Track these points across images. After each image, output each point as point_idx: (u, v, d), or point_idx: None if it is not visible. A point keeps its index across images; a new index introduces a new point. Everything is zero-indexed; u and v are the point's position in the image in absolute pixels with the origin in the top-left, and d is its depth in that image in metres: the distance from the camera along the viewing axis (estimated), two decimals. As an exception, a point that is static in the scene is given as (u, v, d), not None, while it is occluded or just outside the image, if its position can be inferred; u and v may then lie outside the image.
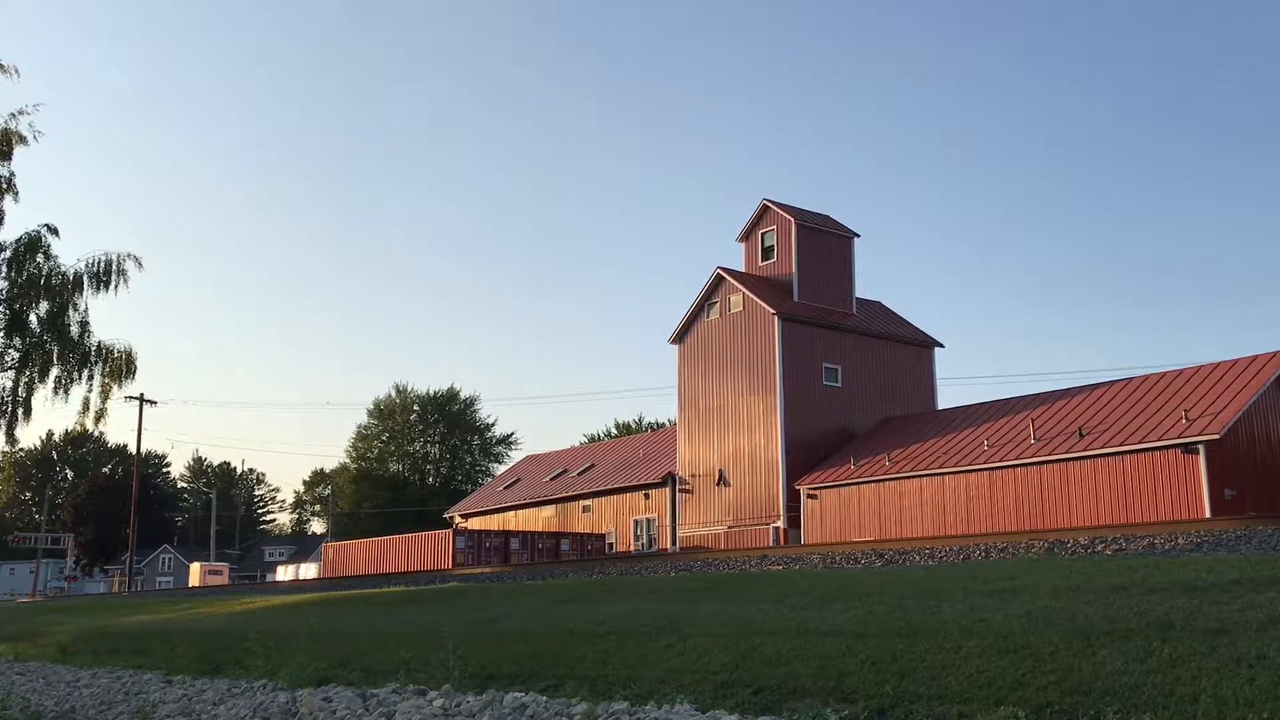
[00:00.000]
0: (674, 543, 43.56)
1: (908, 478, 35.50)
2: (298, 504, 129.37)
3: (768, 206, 44.45)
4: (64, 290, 26.07)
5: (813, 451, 40.05)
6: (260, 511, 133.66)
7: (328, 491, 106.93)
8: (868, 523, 36.28)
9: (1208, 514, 27.22)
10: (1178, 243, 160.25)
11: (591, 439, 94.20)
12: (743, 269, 44.92)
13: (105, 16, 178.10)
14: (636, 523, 47.18)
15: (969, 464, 33.69)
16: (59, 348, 26.23)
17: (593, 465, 54.35)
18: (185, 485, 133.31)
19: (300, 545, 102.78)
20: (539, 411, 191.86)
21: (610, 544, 47.34)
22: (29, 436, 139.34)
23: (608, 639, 11.28)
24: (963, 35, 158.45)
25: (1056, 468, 31.55)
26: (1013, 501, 32.35)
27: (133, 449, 78.44)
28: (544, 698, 9.24)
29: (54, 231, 26.52)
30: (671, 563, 22.81)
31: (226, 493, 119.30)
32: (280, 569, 68.34)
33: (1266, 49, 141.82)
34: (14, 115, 26.38)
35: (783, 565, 18.71)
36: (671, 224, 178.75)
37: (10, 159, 26.38)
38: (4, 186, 26.32)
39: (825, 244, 44.46)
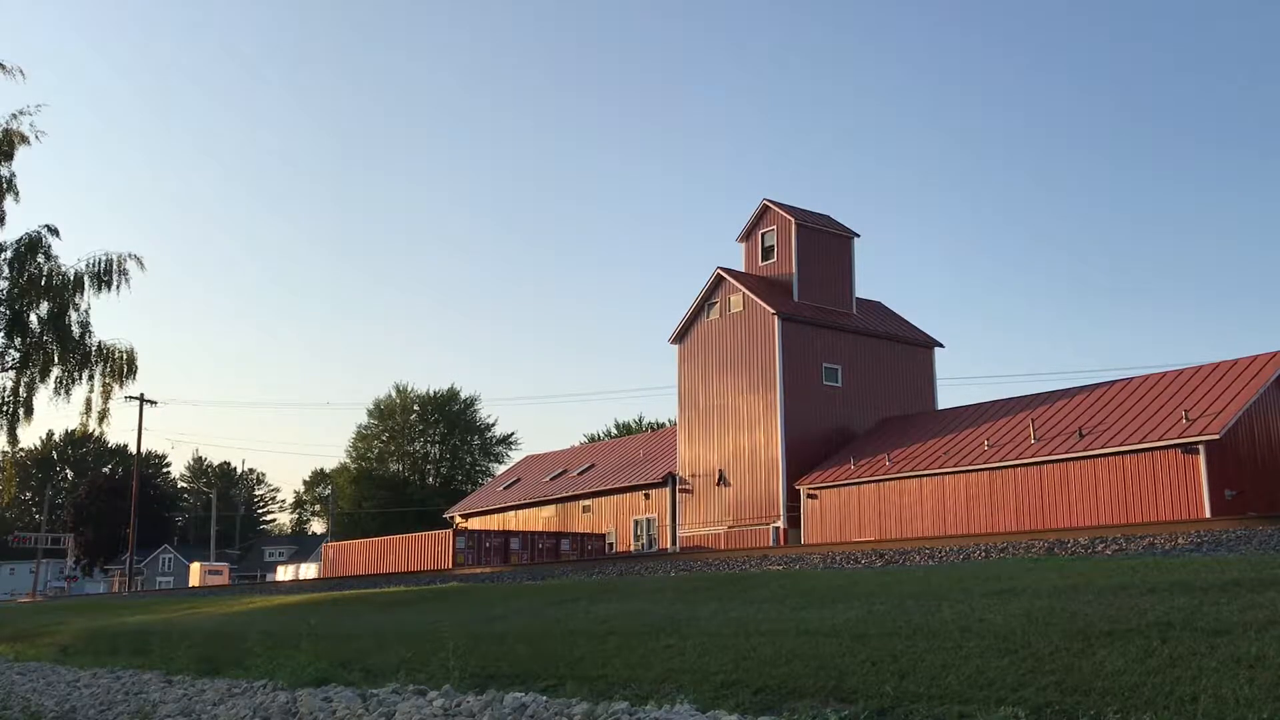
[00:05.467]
0: (674, 543, 43.56)
1: (908, 478, 35.51)
2: (298, 504, 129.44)
3: (768, 206, 44.46)
4: (65, 290, 26.07)
5: (813, 451, 40.05)
6: (260, 511, 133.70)
7: (328, 491, 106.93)
8: (868, 523, 36.28)
9: (1208, 514, 27.23)
10: (1178, 243, 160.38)
11: (591, 439, 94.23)
12: (743, 269, 44.93)
13: (105, 16, 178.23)
14: (636, 523, 47.19)
15: (969, 464, 33.69)
16: (60, 348, 26.24)
17: (593, 465, 54.36)
18: (185, 485, 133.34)
19: (300, 545, 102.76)
20: (539, 411, 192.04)
21: (610, 544, 47.35)
22: (29, 436, 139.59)
23: (608, 639, 11.29)
24: (963, 35, 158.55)
25: (1056, 468, 31.55)
26: (1013, 501, 32.35)
27: (133, 449, 78.51)
28: (544, 698, 9.24)
29: (54, 232, 26.54)
30: (671, 563, 22.81)
31: (226, 493, 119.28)
32: (280, 569, 68.34)
33: (1267, 48, 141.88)
34: (15, 115, 26.40)
35: (783, 565, 18.72)
36: (671, 224, 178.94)
37: (12, 159, 26.40)
38: (5, 187, 26.33)
39: (825, 244, 44.47)
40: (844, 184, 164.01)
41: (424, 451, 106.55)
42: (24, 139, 26.34)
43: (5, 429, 26.34)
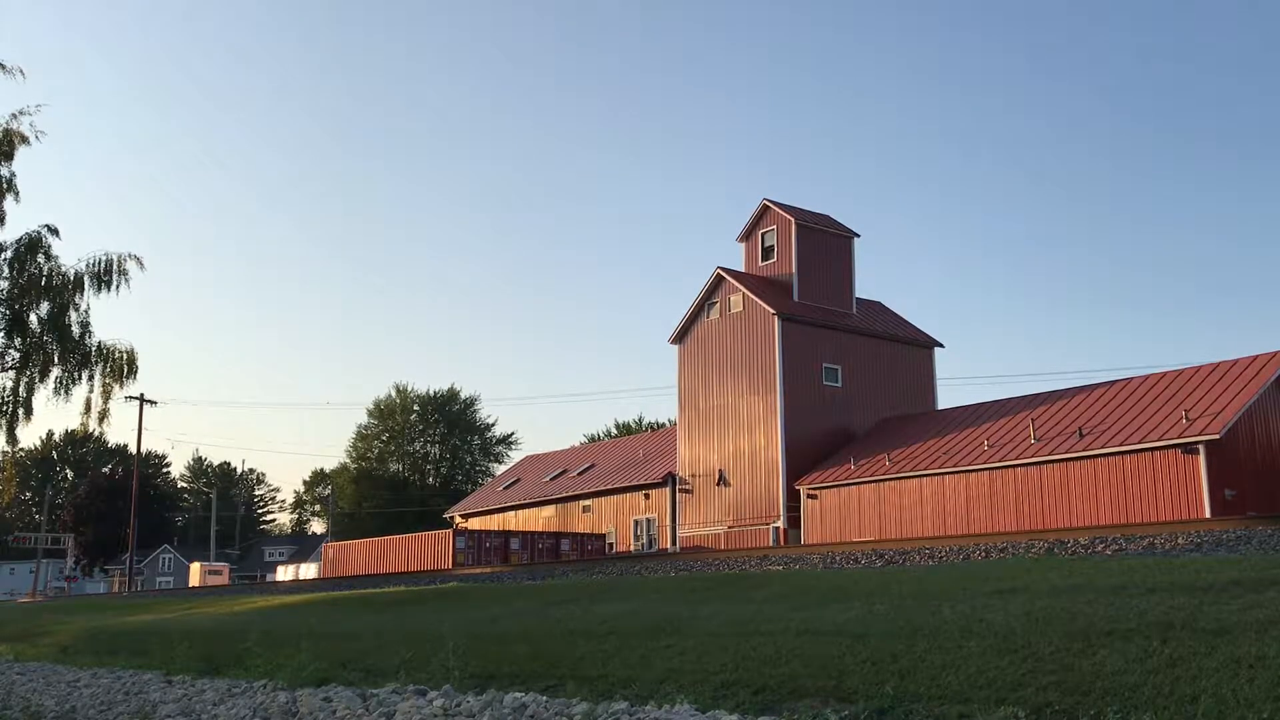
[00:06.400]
0: (674, 543, 43.56)
1: (908, 478, 35.50)
2: (298, 504, 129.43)
3: (768, 206, 44.46)
4: (65, 290, 26.06)
5: (813, 451, 40.04)
6: (260, 511, 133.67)
7: (328, 491, 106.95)
8: (868, 523, 36.28)
9: (1208, 514, 27.22)
10: (1178, 243, 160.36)
11: (591, 439, 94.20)
12: (743, 269, 44.93)
13: (105, 16, 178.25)
14: (636, 523, 47.18)
15: (969, 464, 33.68)
16: (60, 348, 26.23)
17: (593, 465, 54.36)
18: (185, 485, 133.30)
19: (300, 545, 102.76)
20: (539, 411, 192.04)
21: (610, 544, 47.33)
22: (29, 436, 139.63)
23: (608, 639, 11.28)
24: (963, 35, 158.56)
25: (1056, 468, 31.54)
26: (1013, 501, 32.35)
27: (133, 449, 78.50)
28: (544, 698, 9.24)
29: (54, 232, 26.54)
30: (672, 563, 22.80)
31: (226, 493, 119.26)
32: (280, 569, 68.32)
33: (1267, 48, 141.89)
34: (15, 115, 26.40)
35: (783, 565, 18.72)
36: (671, 224, 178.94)
37: (12, 159, 26.40)
38: (5, 187, 26.32)
39: (825, 244, 44.46)
40: (844, 184, 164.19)
41: (424, 451, 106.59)
42: (24, 139, 26.35)
43: (5, 429, 26.34)
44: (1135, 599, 8.95)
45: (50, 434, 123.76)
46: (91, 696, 14.08)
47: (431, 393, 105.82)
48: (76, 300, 26.25)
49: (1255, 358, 31.56)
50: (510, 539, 44.19)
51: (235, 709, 11.31)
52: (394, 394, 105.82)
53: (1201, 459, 28.42)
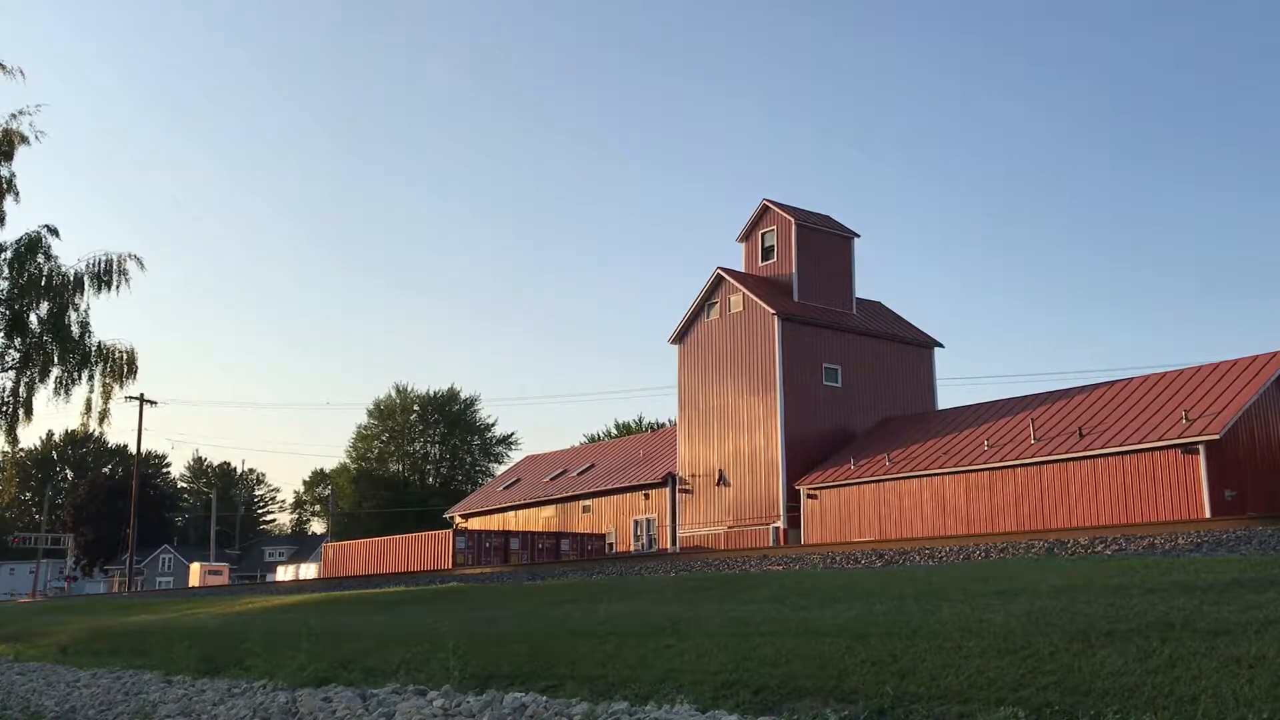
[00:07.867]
0: (674, 543, 43.57)
1: (908, 478, 35.50)
2: (298, 504, 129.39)
3: (768, 206, 44.47)
4: (64, 290, 26.04)
5: (813, 451, 40.05)
6: (260, 511, 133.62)
7: (328, 491, 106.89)
8: (868, 523, 36.28)
9: (1208, 514, 27.23)
10: (1178, 243, 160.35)
11: (591, 439, 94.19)
12: (743, 269, 44.94)
13: (105, 17, 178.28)
14: (636, 523, 47.19)
15: (969, 464, 33.69)
16: (60, 348, 26.21)
17: (593, 465, 54.36)
18: (185, 485, 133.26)
19: (300, 545, 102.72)
20: (539, 411, 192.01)
21: (610, 544, 47.34)
22: (29, 436, 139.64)
23: (608, 639, 11.28)
24: (963, 35, 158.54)
25: (1056, 468, 31.55)
26: (1013, 501, 32.35)
27: (133, 449, 78.52)
28: (544, 698, 9.24)
29: (54, 232, 26.52)
30: (671, 563, 22.80)
31: (226, 493, 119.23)
32: (280, 569, 68.30)
33: (1267, 48, 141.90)
34: (15, 115, 26.39)
35: (783, 565, 18.72)
36: (671, 224, 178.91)
37: (12, 160, 26.39)
38: (5, 187, 26.32)
39: (825, 244, 44.48)
40: (844, 184, 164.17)
41: (424, 451, 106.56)
42: (24, 139, 26.33)
43: (5, 429, 26.33)
44: (1135, 599, 8.95)
45: (50, 434, 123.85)
46: (91, 696, 14.08)
47: (431, 393, 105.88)
48: (76, 300, 26.24)
49: (1255, 358, 31.57)
50: (510, 539, 44.20)
51: (235, 709, 11.31)
52: (394, 394, 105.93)
53: (1201, 459, 28.42)
